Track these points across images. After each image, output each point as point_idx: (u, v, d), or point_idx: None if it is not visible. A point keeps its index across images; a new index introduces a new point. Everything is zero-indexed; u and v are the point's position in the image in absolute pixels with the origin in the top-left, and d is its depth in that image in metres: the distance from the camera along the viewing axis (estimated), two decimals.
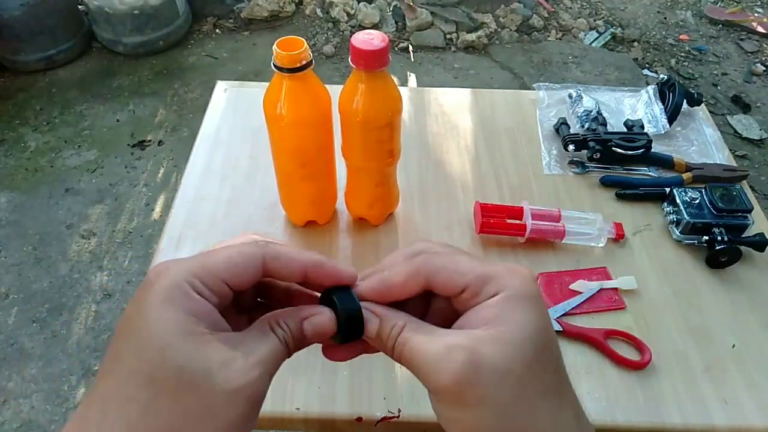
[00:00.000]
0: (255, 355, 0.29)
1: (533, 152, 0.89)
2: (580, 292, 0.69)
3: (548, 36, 2.80)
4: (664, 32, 2.88)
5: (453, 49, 2.70)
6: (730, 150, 0.92)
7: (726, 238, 0.72)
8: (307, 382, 0.61)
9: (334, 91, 0.65)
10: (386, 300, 0.33)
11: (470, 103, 0.98)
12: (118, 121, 2.28)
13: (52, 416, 1.44)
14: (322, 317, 0.32)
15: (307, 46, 0.60)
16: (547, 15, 2.89)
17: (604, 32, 2.83)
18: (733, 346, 0.65)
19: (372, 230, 0.77)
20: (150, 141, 2.19)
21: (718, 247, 0.72)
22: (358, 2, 2.79)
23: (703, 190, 0.77)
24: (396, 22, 2.77)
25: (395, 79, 0.66)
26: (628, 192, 0.82)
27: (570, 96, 0.97)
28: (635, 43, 2.79)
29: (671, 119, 0.92)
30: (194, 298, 0.29)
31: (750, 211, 0.74)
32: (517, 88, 2.40)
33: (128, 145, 2.18)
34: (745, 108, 2.45)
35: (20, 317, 1.65)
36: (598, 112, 0.90)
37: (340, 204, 0.77)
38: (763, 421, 0.59)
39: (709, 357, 0.64)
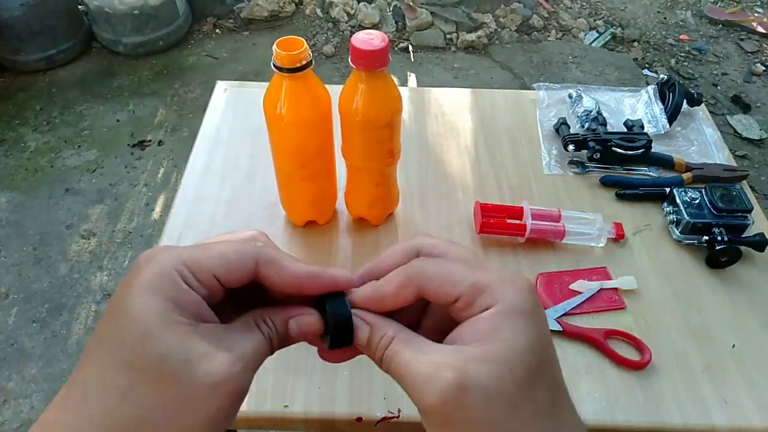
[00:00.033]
0: (238, 349, 0.28)
1: (533, 152, 0.89)
2: (580, 292, 0.69)
3: (548, 36, 2.80)
4: (664, 32, 2.88)
5: (453, 49, 2.70)
6: (730, 150, 0.92)
7: (726, 238, 0.72)
8: (307, 382, 0.61)
9: (334, 91, 0.65)
10: (380, 310, 0.32)
11: (470, 103, 0.98)
12: (118, 121, 2.28)
13: None
14: (309, 318, 0.32)
15: (307, 46, 0.60)
16: (547, 15, 2.89)
17: (604, 32, 2.83)
18: (733, 346, 0.65)
19: (372, 230, 0.77)
20: (150, 141, 2.19)
21: (718, 247, 0.72)
22: (358, 2, 2.79)
23: (703, 190, 0.77)
24: (396, 22, 2.77)
25: (395, 79, 0.66)
26: (628, 192, 0.82)
27: (570, 96, 0.97)
28: (635, 43, 2.79)
29: (671, 119, 0.92)
30: (181, 288, 0.28)
31: (750, 211, 0.74)
32: (517, 88, 2.40)
33: (128, 145, 2.18)
34: (745, 108, 2.45)
35: (20, 317, 1.65)
36: (598, 112, 0.90)
37: (340, 204, 0.77)
38: (763, 421, 0.59)
39: (709, 357, 0.64)
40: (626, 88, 1.01)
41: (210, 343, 0.28)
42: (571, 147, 0.86)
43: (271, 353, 0.31)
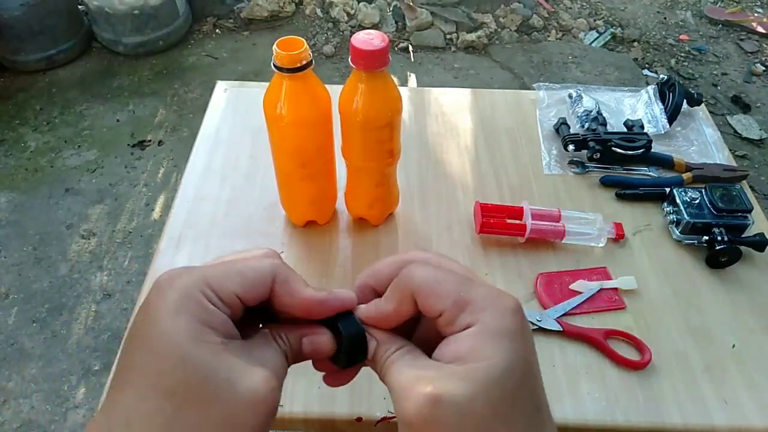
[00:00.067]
0: (269, 364, 0.29)
1: (533, 152, 0.89)
2: (580, 292, 0.69)
3: (548, 36, 2.80)
4: (664, 32, 2.88)
5: (453, 49, 2.70)
6: (730, 150, 0.92)
7: (726, 238, 0.72)
8: (307, 382, 0.61)
9: (334, 91, 0.65)
10: (386, 327, 0.33)
11: (470, 103, 0.98)
12: (118, 121, 2.28)
13: (52, 416, 1.44)
14: (322, 337, 0.33)
15: (307, 46, 0.60)
16: (547, 15, 2.89)
17: (604, 32, 2.83)
18: (733, 346, 0.65)
19: (372, 230, 0.77)
20: (150, 141, 2.19)
21: (718, 247, 0.71)
22: (358, 2, 2.79)
23: (703, 190, 0.77)
24: (396, 22, 2.77)
25: (395, 79, 0.66)
26: (628, 192, 0.82)
27: (570, 96, 0.97)
28: (635, 43, 2.79)
29: (671, 119, 0.92)
30: (208, 308, 0.28)
31: (750, 211, 0.74)
32: (517, 88, 2.40)
33: (128, 145, 2.18)
34: (745, 108, 2.45)
35: (20, 317, 1.65)
36: (598, 112, 0.90)
37: (340, 204, 0.77)
38: (763, 421, 0.59)
39: (709, 357, 0.64)
40: (626, 88, 1.01)
41: (245, 360, 0.28)
42: (571, 147, 0.86)
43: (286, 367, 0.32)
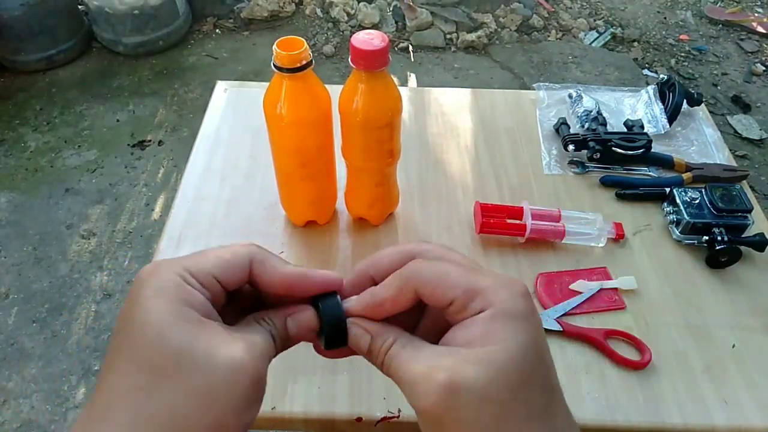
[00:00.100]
0: (249, 339, 0.29)
1: (533, 152, 0.89)
2: (580, 292, 0.69)
3: (548, 36, 2.80)
4: (664, 32, 2.88)
5: (453, 49, 2.70)
6: (730, 150, 0.92)
7: (726, 238, 0.72)
8: (307, 382, 0.61)
9: (334, 91, 0.65)
10: (380, 317, 0.32)
11: (470, 103, 0.98)
12: (118, 121, 2.28)
13: (52, 416, 1.44)
14: (303, 315, 0.33)
15: (307, 46, 0.60)
16: (547, 15, 2.89)
17: (604, 32, 2.83)
18: (733, 346, 0.65)
19: (372, 230, 0.77)
20: (150, 141, 2.19)
21: (718, 247, 0.71)
22: (358, 2, 2.80)
23: (703, 190, 0.77)
24: (396, 22, 2.77)
25: (395, 79, 0.66)
26: (628, 192, 0.82)
27: (570, 96, 0.97)
28: (635, 43, 2.79)
29: (671, 119, 0.92)
30: (187, 289, 0.29)
31: (750, 211, 0.74)
32: (517, 88, 2.40)
33: (128, 145, 2.18)
34: (745, 108, 2.45)
35: (20, 317, 1.65)
36: (598, 112, 0.90)
37: (340, 204, 0.77)
38: (763, 421, 0.59)
39: (709, 357, 0.64)
40: (626, 88, 1.01)
41: (225, 333, 0.29)
42: (571, 147, 0.86)
43: (276, 352, 0.32)
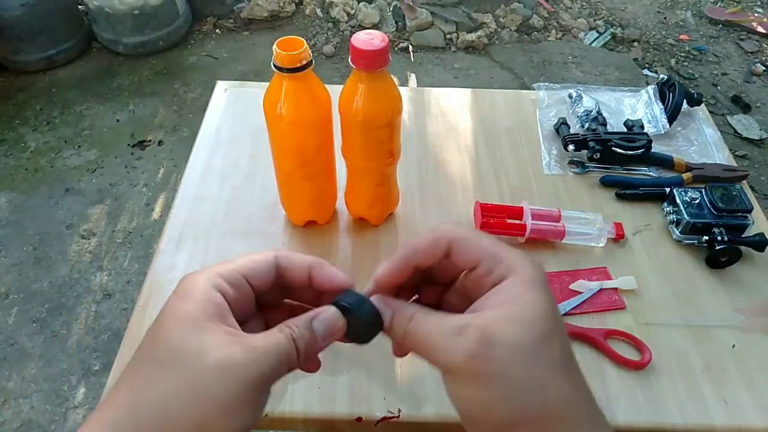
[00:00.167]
0: (251, 343, 0.30)
1: (533, 152, 0.89)
2: (580, 292, 0.69)
3: (548, 36, 2.80)
4: (664, 32, 2.88)
5: (453, 49, 2.70)
6: (730, 150, 0.92)
7: (726, 238, 0.72)
8: (307, 382, 0.61)
9: (334, 91, 0.65)
10: (410, 268, 0.35)
11: (470, 103, 0.98)
12: (118, 121, 2.28)
13: (52, 416, 1.44)
14: (329, 313, 0.34)
15: (307, 46, 0.60)
16: (547, 15, 2.89)
17: (604, 32, 2.83)
18: (733, 346, 0.65)
19: (372, 230, 0.77)
20: (150, 141, 2.19)
21: (718, 247, 0.71)
22: (358, 2, 2.80)
23: (703, 190, 0.77)
24: (396, 22, 2.77)
25: (395, 79, 0.66)
26: (628, 192, 0.82)
27: (570, 96, 0.97)
28: (635, 43, 2.79)
29: (671, 119, 0.92)
30: (212, 294, 0.32)
31: (750, 211, 0.74)
32: (517, 88, 2.40)
33: (128, 145, 2.18)
34: (745, 108, 2.45)
35: (20, 317, 1.65)
36: (598, 112, 0.90)
37: (340, 204, 0.77)
38: (763, 421, 0.59)
39: (709, 357, 0.64)
40: (626, 88, 1.01)
41: (226, 337, 0.30)
42: (571, 147, 0.86)
43: (299, 357, 0.32)
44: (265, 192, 0.80)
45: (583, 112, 0.91)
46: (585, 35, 2.81)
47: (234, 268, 0.33)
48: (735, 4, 3.07)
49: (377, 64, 0.60)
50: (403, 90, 0.85)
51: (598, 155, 0.85)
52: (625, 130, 0.89)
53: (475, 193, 0.82)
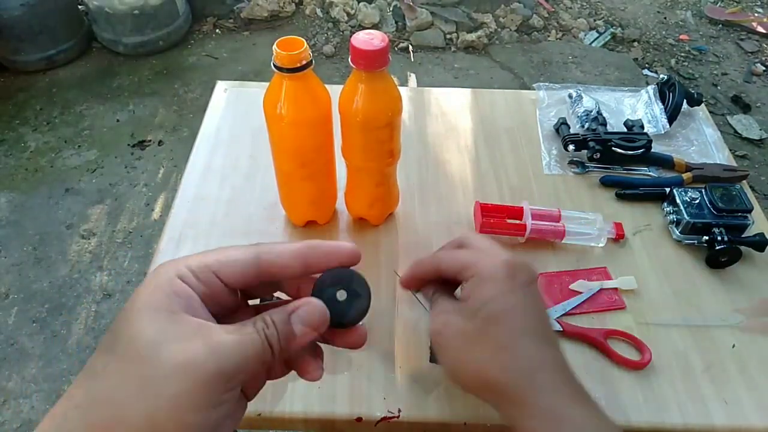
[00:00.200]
0: (217, 337, 0.28)
1: (533, 152, 0.89)
2: (580, 292, 0.69)
3: (548, 36, 2.80)
4: (664, 32, 2.88)
5: (453, 49, 2.70)
6: (730, 150, 0.92)
7: (726, 238, 0.72)
8: (307, 383, 0.60)
9: (334, 91, 0.65)
10: (424, 275, 0.51)
11: (470, 103, 0.98)
12: (118, 121, 2.28)
13: None
14: (310, 306, 0.32)
15: (307, 46, 0.60)
16: (547, 15, 2.89)
17: (604, 32, 2.83)
18: (733, 346, 0.65)
19: (372, 230, 0.77)
20: (150, 141, 2.19)
21: (718, 247, 0.71)
22: (358, 2, 2.80)
23: (703, 190, 0.77)
24: (396, 22, 2.77)
25: (395, 79, 0.66)
26: (628, 192, 0.82)
27: (570, 96, 0.97)
28: (635, 43, 2.79)
29: (671, 119, 0.92)
30: (174, 283, 0.30)
31: (750, 211, 0.74)
32: (517, 88, 2.40)
33: (128, 145, 2.18)
34: (745, 108, 2.45)
35: (20, 317, 1.65)
36: (598, 112, 0.90)
37: (340, 204, 0.77)
38: (763, 421, 0.59)
39: (709, 357, 0.64)
40: (626, 88, 1.01)
41: (188, 331, 0.28)
42: (571, 147, 0.86)
43: (273, 354, 0.30)
44: (265, 192, 0.80)
45: (583, 112, 0.91)
46: (585, 35, 2.81)
47: (206, 263, 0.31)
48: (735, 4, 3.07)
49: (377, 64, 0.60)
50: (403, 90, 0.85)
51: (598, 155, 0.85)
52: (625, 130, 0.89)
53: (475, 193, 0.82)
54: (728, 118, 2.39)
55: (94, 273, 1.75)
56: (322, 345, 0.39)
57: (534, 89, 1.00)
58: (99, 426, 0.26)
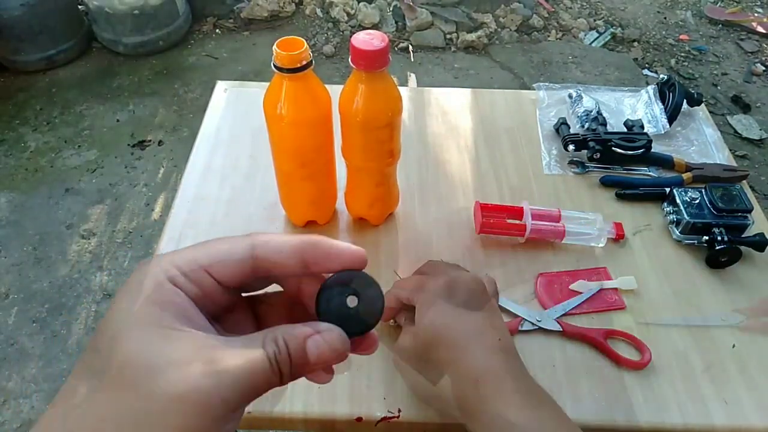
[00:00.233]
0: (219, 363, 0.24)
1: (533, 152, 0.89)
2: (580, 292, 0.69)
3: (548, 36, 2.80)
4: (664, 32, 2.88)
5: (453, 49, 2.70)
6: (730, 150, 0.92)
7: (726, 238, 0.72)
8: (307, 382, 0.60)
9: (334, 91, 0.65)
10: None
11: (470, 103, 0.98)
12: (118, 121, 2.28)
13: None
14: (331, 336, 0.28)
15: (307, 46, 0.60)
16: (547, 15, 2.89)
17: (604, 32, 2.83)
18: (733, 346, 0.65)
19: (372, 230, 0.77)
20: (150, 141, 2.19)
21: (718, 247, 0.71)
22: (358, 2, 2.80)
23: (703, 190, 0.77)
24: (396, 22, 2.77)
25: (395, 79, 0.66)
26: (628, 192, 0.82)
27: (570, 96, 0.97)
28: (635, 43, 2.79)
29: (671, 119, 0.92)
30: (165, 287, 0.26)
31: (750, 211, 0.74)
32: (517, 88, 2.40)
33: (128, 145, 2.18)
34: (745, 108, 2.45)
35: (20, 317, 1.65)
36: (598, 112, 0.90)
37: (340, 204, 0.77)
38: (763, 421, 0.59)
39: (709, 357, 0.64)
40: (626, 88, 1.01)
41: (186, 351, 0.24)
42: (571, 147, 0.86)
43: (281, 381, 0.27)
44: (265, 192, 0.80)
45: (583, 112, 0.91)
46: (585, 35, 2.81)
47: (196, 260, 0.27)
48: (735, 4, 3.07)
49: (377, 65, 0.60)
50: (403, 90, 0.85)
51: (598, 155, 0.85)
52: (625, 130, 0.89)
53: (475, 193, 0.82)
54: (728, 118, 2.39)
55: (94, 273, 1.75)
56: None
57: (534, 89, 1.00)
58: None
